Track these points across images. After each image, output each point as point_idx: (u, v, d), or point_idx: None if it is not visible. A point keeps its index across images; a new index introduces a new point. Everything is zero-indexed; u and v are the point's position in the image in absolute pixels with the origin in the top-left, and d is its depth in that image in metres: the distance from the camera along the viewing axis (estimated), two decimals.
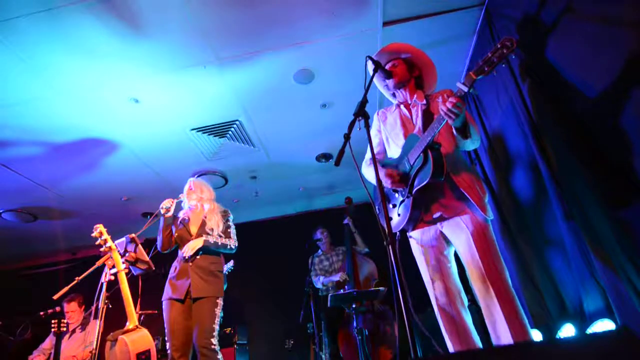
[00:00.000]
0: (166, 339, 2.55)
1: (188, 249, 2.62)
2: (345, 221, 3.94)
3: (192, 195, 2.85)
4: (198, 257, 2.67)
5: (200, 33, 2.50)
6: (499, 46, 1.51)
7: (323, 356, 3.80)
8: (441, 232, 1.91)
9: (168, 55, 2.63)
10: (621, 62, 1.52)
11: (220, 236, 2.78)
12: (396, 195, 1.99)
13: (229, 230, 2.88)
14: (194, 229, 2.79)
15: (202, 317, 2.53)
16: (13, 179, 3.69)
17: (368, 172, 2.18)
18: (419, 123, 1.97)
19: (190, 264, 2.64)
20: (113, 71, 2.70)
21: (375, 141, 2.21)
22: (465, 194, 1.78)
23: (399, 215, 1.96)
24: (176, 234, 2.78)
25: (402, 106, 2.11)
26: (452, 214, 1.85)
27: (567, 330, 2.14)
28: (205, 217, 2.82)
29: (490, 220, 1.83)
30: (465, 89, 1.61)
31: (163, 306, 2.63)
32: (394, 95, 2.20)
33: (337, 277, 3.77)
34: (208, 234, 2.74)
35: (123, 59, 2.61)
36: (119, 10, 2.27)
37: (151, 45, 2.53)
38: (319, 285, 3.98)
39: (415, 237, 1.97)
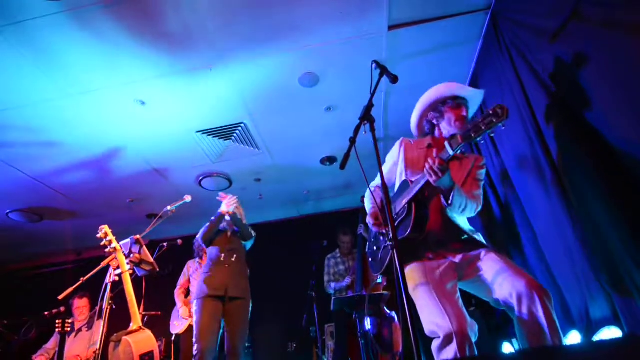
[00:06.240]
0: (194, 340, 2.52)
1: (231, 201, 3.02)
2: (360, 231, 3.74)
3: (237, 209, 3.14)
4: (233, 259, 2.84)
5: (206, 36, 2.52)
6: (490, 112, 1.38)
7: None
8: (451, 263, 1.74)
9: (174, 57, 2.65)
10: (627, 67, 1.51)
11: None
12: (381, 238, 1.91)
13: None
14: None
15: (240, 319, 2.64)
16: (19, 179, 3.73)
17: (367, 198, 2.12)
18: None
19: (227, 265, 2.78)
20: (119, 73, 2.72)
21: (386, 167, 2.09)
22: (473, 236, 1.75)
23: (380, 259, 1.88)
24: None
25: (435, 149, 1.89)
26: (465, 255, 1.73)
27: (573, 338, 2.12)
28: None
29: None
30: (451, 152, 1.55)
31: (196, 306, 2.65)
32: (429, 131, 2.00)
33: (344, 283, 3.70)
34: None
35: (129, 61, 2.63)
36: (126, 13, 2.29)
37: (157, 47, 2.55)
38: (330, 291, 3.86)
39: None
